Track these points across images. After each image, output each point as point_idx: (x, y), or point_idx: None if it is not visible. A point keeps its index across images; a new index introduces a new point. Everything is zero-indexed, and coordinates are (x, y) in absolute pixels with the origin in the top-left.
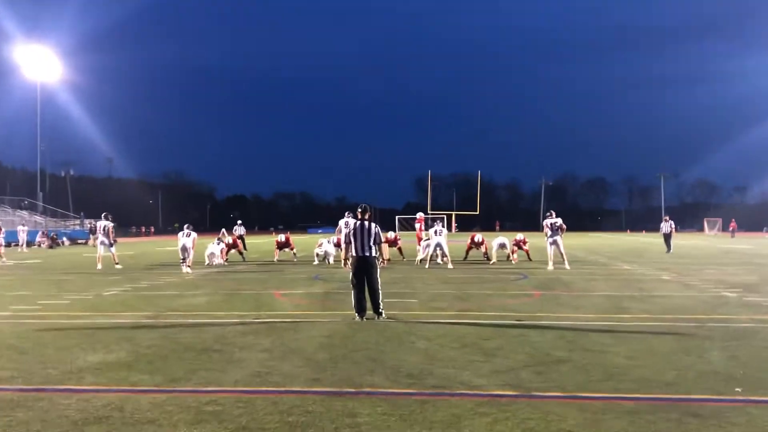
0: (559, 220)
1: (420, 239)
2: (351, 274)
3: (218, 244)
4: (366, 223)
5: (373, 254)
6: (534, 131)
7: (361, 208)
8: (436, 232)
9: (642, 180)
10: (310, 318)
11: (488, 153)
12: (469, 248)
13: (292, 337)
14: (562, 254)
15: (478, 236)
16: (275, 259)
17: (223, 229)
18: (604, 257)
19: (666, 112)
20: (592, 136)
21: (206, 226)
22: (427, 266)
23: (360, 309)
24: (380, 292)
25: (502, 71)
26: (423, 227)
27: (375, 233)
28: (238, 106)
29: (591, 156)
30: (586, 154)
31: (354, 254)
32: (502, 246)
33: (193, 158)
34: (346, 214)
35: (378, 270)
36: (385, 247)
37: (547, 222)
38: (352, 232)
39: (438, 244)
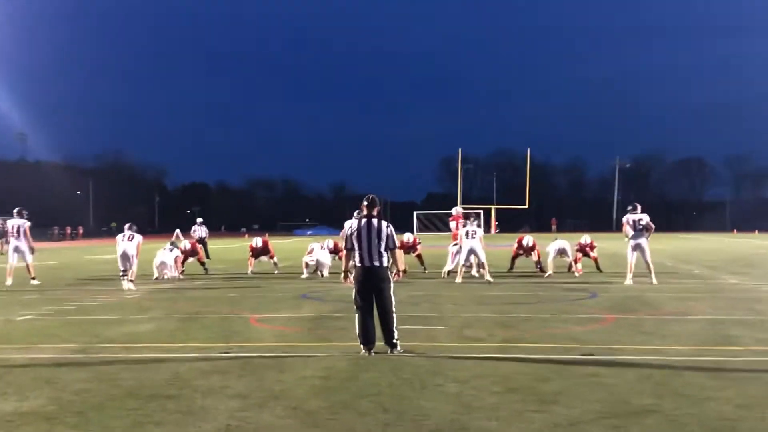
0: (646, 217)
1: (415, 246)
2: (354, 291)
3: (171, 250)
4: (374, 221)
5: (385, 264)
6: (604, 95)
7: (367, 200)
8: (468, 234)
9: (754, 161)
10: (298, 352)
11: (540, 124)
12: (516, 255)
13: (274, 377)
14: (647, 264)
15: (528, 239)
16: (249, 271)
17: (178, 231)
18: (703, 267)
19: None
20: (683, 102)
21: (155, 225)
22: (458, 280)
23: (367, 339)
24: (395, 315)
25: (564, 13)
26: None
27: (387, 235)
28: (198, 64)
29: (682, 129)
30: (676, 127)
31: (358, 264)
32: (562, 252)
33: (135, 134)
34: (356, 214)
35: (392, 286)
36: (400, 254)
37: (629, 218)
38: (355, 233)
39: (471, 250)
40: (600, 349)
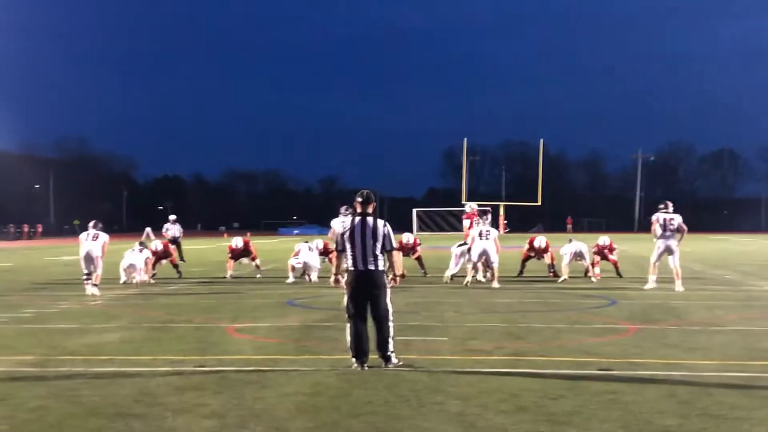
0: (678, 218)
1: (416, 247)
2: (346, 296)
3: (141, 251)
4: (370, 219)
5: (381, 268)
6: (625, 82)
7: (361, 196)
8: (481, 234)
9: None
10: (281, 366)
11: (555, 113)
12: (527, 258)
13: (255, 394)
14: (675, 269)
15: (541, 240)
16: (228, 275)
17: (148, 229)
18: (735, 272)
19: None
20: (712, 89)
21: (122, 223)
22: (467, 280)
23: (359, 352)
24: (391, 325)
25: None
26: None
27: (384, 235)
28: (172, 46)
29: (712, 119)
30: (705, 116)
31: (351, 268)
32: (578, 255)
33: (101, 120)
34: (343, 209)
35: (388, 292)
36: (398, 256)
37: (659, 217)
38: (347, 233)
39: (484, 252)
40: (619, 364)
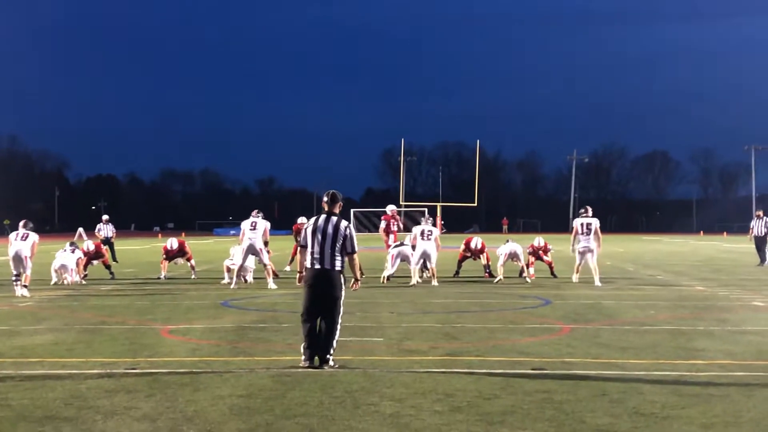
0: (595, 222)
1: (389, 246)
2: (303, 291)
3: (72, 251)
4: (334, 219)
5: (338, 268)
6: (560, 84)
7: (327, 196)
8: (423, 233)
9: (722, 156)
10: (215, 368)
11: (491, 114)
12: (463, 258)
13: (187, 397)
14: (593, 268)
15: (477, 240)
16: (162, 276)
17: (81, 229)
18: (666, 272)
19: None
20: (645, 92)
21: (53, 223)
22: (414, 281)
23: (311, 346)
24: (339, 328)
25: None
26: (396, 228)
27: (345, 236)
28: (106, 41)
29: (645, 121)
30: (638, 118)
31: (309, 266)
32: (513, 256)
33: (32, 118)
34: (254, 212)
35: (343, 293)
36: (358, 259)
37: (577, 223)
38: (311, 229)
39: (425, 253)
40: (552, 363)
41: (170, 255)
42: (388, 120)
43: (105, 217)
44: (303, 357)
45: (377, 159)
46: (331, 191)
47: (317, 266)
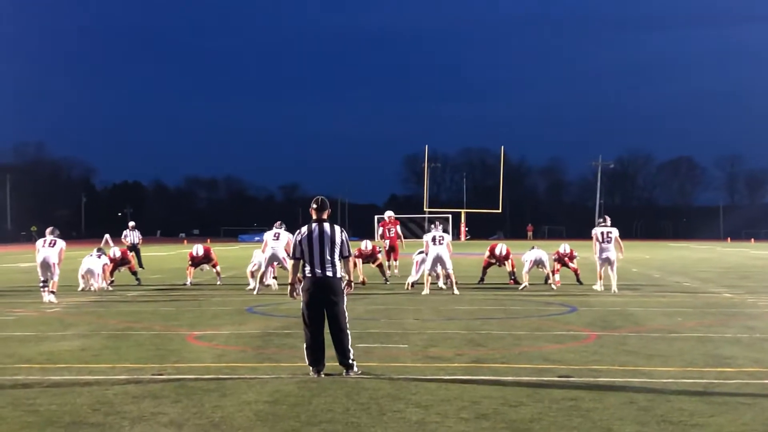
0: (615, 232)
1: (375, 255)
2: (302, 304)
3: (99, 257)
4: (326, 225)
5: (338, 275)
6: (585, 90)
7: (316, 203)
8: (435, 239)
9: (749, 162)
10: (241, 374)
11: (516, 121)
12: (488, 265)
13: (214, 403)
14: (612, 275)
15: (501, 247)
16: (188, 282)
17: (107, 236)
18: (693, 279)
19: None
20: (671, 98)
21: (80, 230)
22: (425, 292)
23: (316, 359)
24: (349, 333)
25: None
26: (391, 234)
27: (341, 242)
28: (133, 50)
29: (670, 127)
30: (663, 124)
31: (308, 275)
32: (538, 263)
33: (59, 126)
34: (277, 224)
35: (345, 299)
36: (353, 263)
37: (597, 232)
38: (305, 239)
39: (438, 258)
40: (578, 371)
41: (196, 261)
42: (412, 126)
43: (131, 223)
44: (310, 367)
45: (400, 165)
46: (319, 198)
47: (318, 273)
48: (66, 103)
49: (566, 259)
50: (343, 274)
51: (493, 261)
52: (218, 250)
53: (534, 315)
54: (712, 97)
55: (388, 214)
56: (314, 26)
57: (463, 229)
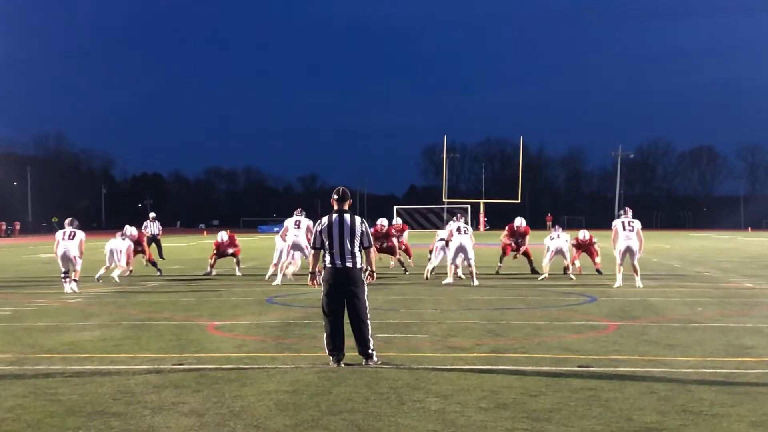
0: (637, 224)
1: (390, 235)
2: (322, 294)
3: (123, 239)
4: (347, 216)
5: (359, 265)
6: (604, 79)
7: (337, 194)
8: (459, 229)
9: None
10: (261, 363)
11: (534, 110)
12: (508, 249)
13: (234, 392)
14: (634, 266)
15: (520, 221)
16: (210, 272)
17: (127, 226)
18: (714, 269)
19: None
20: (690, 87)
21: (101, 221)
22: (448, 281)
23: (335, 349)
24: (369, 323)
25: None
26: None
27: (362, 232)
28: (152, 41)
29: (690, 116)
30: (683, 113)
31: (329, 265)
32: (559, 252)
33: (80, 118)
34: (297, 211)
35: (366, 289)
36: (374, 253)
37: (618, 223)
38: (326, 229)
39: (461, 248)
40: (598, 360)
41: (221, 249)
42: (431, 117)
43: (152, 214)
44: (331, 358)
45: (419, 156)
46: (341, 188)
47: (339, 264)
48: (86, 95)
49: (587, 245)
50: (364, 264)
51: (513, 243)
52: (239, 240)
53: (553, 305)
54: (733, 86)
55: (398, 221)
56: (335, 16)
57: (482, 219)
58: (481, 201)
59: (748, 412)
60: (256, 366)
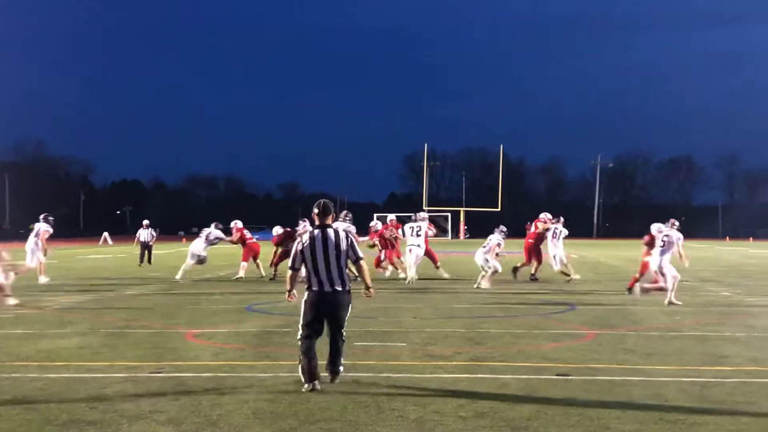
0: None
1: (397, 257)
2: (303, 321)
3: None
4: (330, 231)
5: (347, 288)
6: (585, 89)
7: (318, 207)
8: (412, 230)
9: (747, 161)
10: (240, 372)
11: (515, 119)
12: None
13: (212, 401)
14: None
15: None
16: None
17: (106, 233)
18: (692, 278)
19: None
20: (669, 98)
21: (79, 228)
22: (485, 285)
23: (313, 375)
24: (345, 339)
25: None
26: (400, 235)
27: (346, 248)
28: (132, 47)
29: (669, 127)
30: (662, 124)
31: (314, 288)
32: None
33: (59, 124)
34: (343, 215)
35: (350, 309)
36: (366, 266)
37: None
38: (307, 248)
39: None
40: (577, 369)
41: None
42: (411, 125)
43: (146, 222)
44: (304, 380)
45: (400, 164)
46: (322, 201)
47: (326, 288)
48: (65, 102)
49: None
50: (351, 284)
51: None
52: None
53: (532, 313)
54: (712, 96)
55: (391, 217)
56: (314, 25)
57: (462, 227)
58: (461, 209)
59: (724, 421)
60: (235, 374)
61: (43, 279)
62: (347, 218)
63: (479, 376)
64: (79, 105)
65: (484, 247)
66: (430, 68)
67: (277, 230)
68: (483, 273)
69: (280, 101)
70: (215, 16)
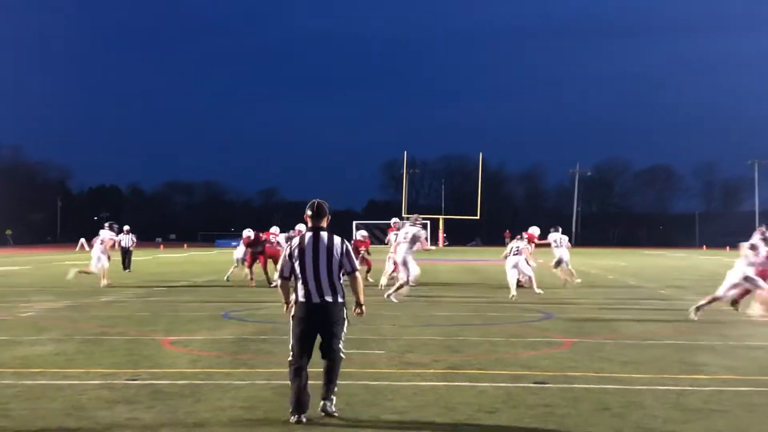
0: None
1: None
2: (293, 339)
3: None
4: (324, 235)
5: (340, 299)
6: (564, 97)
7: (311, 208)
8: (511, 250)
9: (725, 171)
10: (216, 379)
11: (494, 127)
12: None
13: (188, 408)
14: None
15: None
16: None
17: (82, 240)
18: (669, 287)
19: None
20: (648, 106)
21: (55, 234)
22: (513, 294)
23: (301, 406)
24: (341, 365)
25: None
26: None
27: (342, 254)
28: (109, 50)
29: (649, 136)
30: (642, 133)
31: (302, 299)
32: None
33: (36, 129)
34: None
35: (345, 325)
36: (360, 279)
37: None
38: (296, 253)
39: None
40: (554, 377)
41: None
42: (391, 132)
43: (126, 227)
44: (291, 410)
45: (379, 171)
46: (316, 202)
47: (316, 300)
48: (43, 106)
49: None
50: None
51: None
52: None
53: (510, 321)
54: (690, 105)
55: (396, 220)
56: (297, 33)
57: (441, 235)
58: (441, 217)
59: (700, 428)
60: (211, 382)
61: (104, 283)
62: (417, 222)
63: (457, 384)
64: (56, 110)
65: (513, 257)
66: (409, 76)
67: (247, 233)
68: (526, 285)
69: (260, 108)
70: (194, 22)
